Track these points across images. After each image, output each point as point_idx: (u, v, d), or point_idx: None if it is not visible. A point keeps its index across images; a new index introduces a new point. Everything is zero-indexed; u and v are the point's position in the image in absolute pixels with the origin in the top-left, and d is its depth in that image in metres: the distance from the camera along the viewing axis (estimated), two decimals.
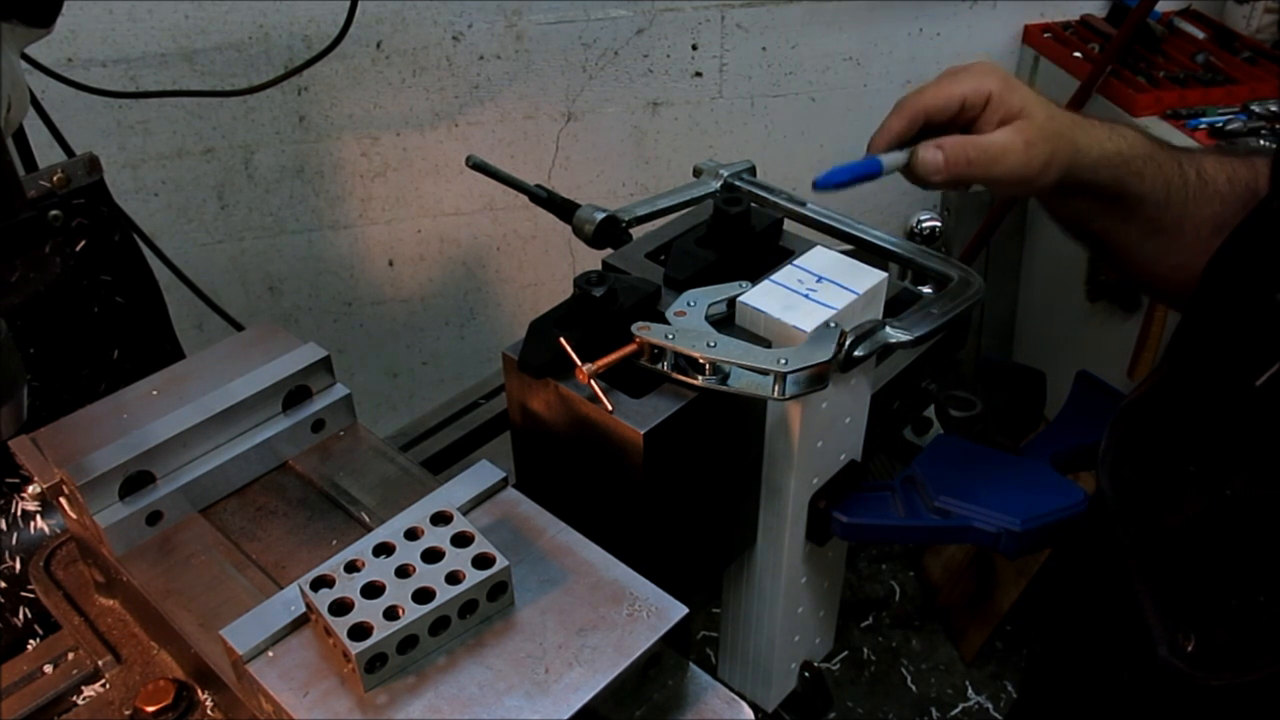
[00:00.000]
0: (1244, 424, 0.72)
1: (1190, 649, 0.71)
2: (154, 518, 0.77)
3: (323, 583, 0.63)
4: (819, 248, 0.86)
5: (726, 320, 0.81)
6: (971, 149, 0.87)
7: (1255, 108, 1.96)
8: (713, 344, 0.73)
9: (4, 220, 0.83)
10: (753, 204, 0.92)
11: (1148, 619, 0.74)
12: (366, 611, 0.61)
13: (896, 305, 0.95)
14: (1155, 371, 0.85)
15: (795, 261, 0.84)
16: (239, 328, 1.61)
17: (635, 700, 0.65)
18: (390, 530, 0.66)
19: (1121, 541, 0.78)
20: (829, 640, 1.04)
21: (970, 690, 2.51)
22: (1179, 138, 1.93)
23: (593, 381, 0.72)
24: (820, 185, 0.86)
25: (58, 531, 0.89)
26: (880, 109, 0.90)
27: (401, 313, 2.31)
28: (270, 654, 0.63)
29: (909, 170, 0.89)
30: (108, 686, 0.75)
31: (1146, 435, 0.81)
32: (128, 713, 0.72)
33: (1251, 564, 0.70)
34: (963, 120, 0.89)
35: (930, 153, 0.88)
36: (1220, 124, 1.93)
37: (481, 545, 0.64)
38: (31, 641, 0.84)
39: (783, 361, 0.71)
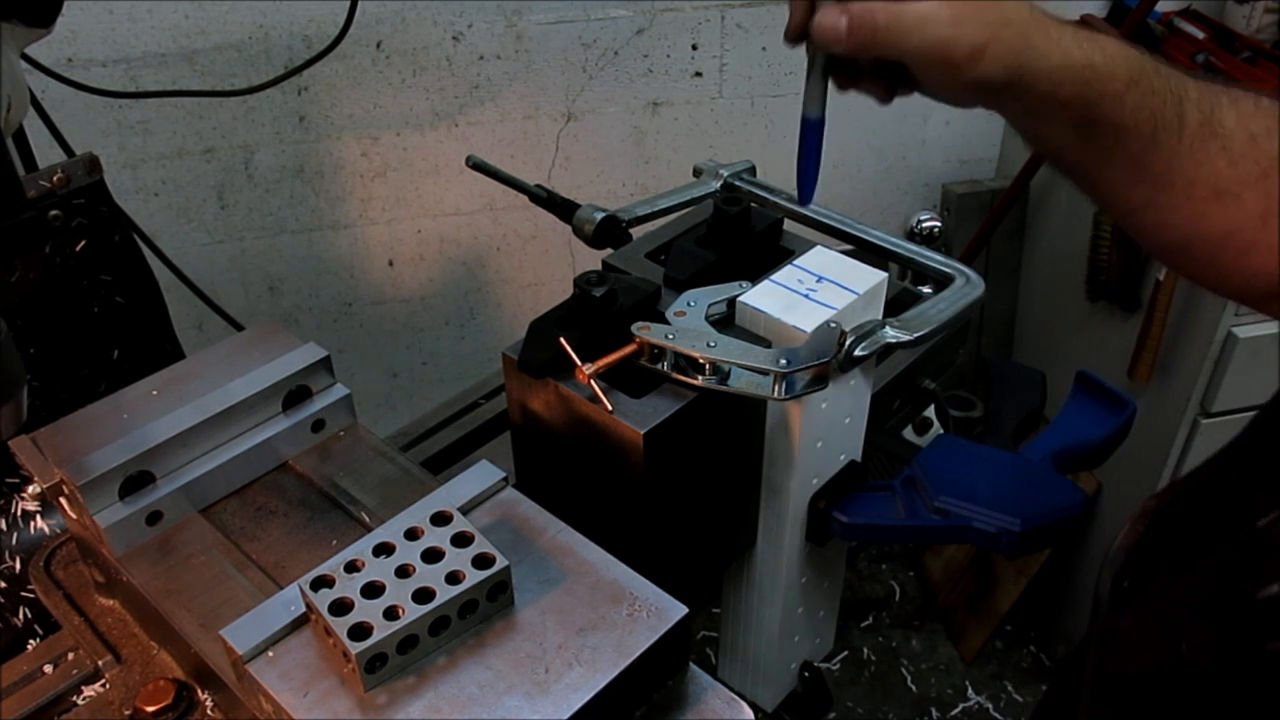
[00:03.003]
0: (1239, 577, 0.63)
1: None
2: (154, 518, 0.77)
3: (323, 583, 0.63)
4: (819, 248, 0.86)
5: (726, 320, 0.82)
6: (881, 12, 0.72)
7: None
8: (713, 344, 0.73)
9: (4, 220, 0.83)
10: (753, 204, 0.92)
11: None
12: (366, 611, 0.61)
13: (896, 305, 0.95)
14: (1193, 474, 0.75)
15: (795, 261, 0.84)
16: (239, 328, 1.61)
17: (635, 700, 0.65)
18: (390, 530, 0.66)
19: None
20: (829, 640, 1.04)
21: (970, 690, 2.51)
22: None
23: (593, 381, 0.72)
24: (809, 198, 0.82)
25: (58, 531, 0.89)
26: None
27: (401, 313, 2.31)
28: (270, 654, 0.63)
29: (811, 41, 0.76)
30: (108, 686, 0.75)
31: (1161, 544, 0.72)
32: (128, 713, 0.72)
33: None
34: None
35: (831, 16, 0.74)
36: None
37: (481, 545, 0.64)
38: (31, 641, 0.84)
39: (783, 361, 0.71)
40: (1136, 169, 0.77)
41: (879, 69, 0.79)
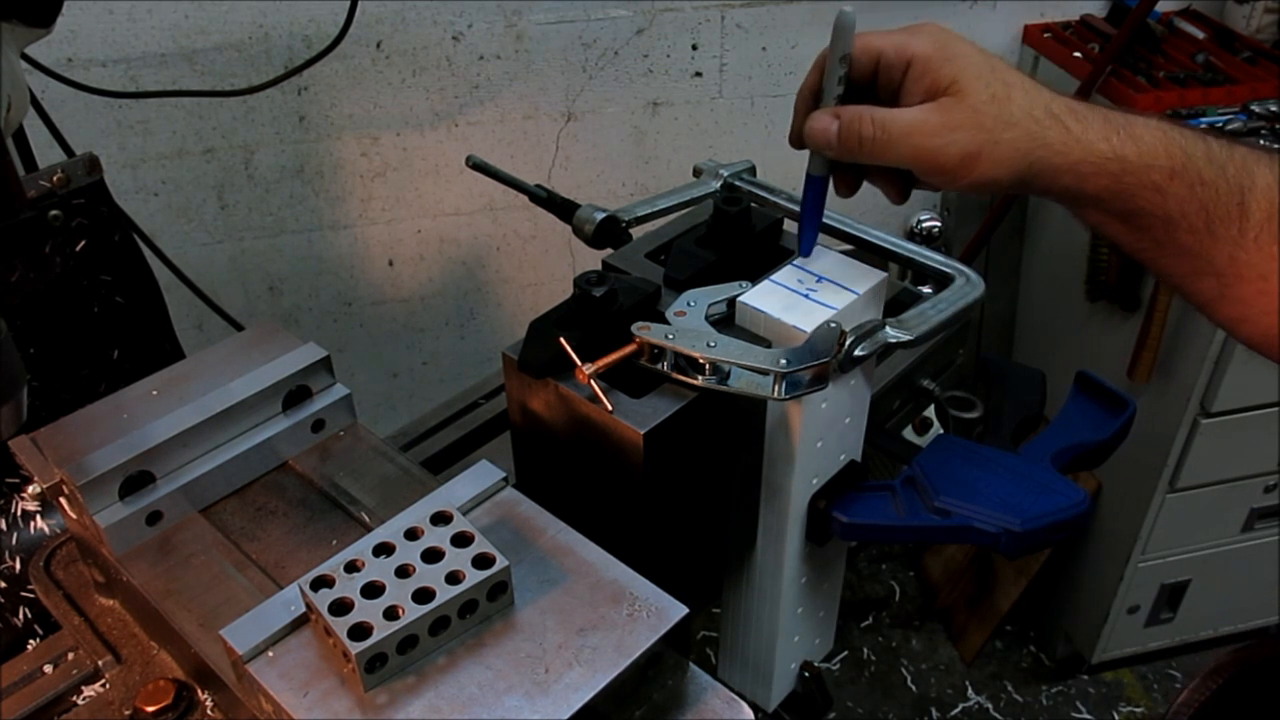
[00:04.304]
0: None
1: None
2: (154, 518, 0.77)
3: (323, 583, 0.63)
4: (819, 248, 0.86)
5: (726, 320, 0.81)
6: (869, 123, 0.71)
7: (1255, 108, 1.96)
8: (713, 344, 0.73)
9: (4, 220, 0.83)
10: (753, 204, 0.92)
11: None
12: (366, 611, 0.61)
13: (896, 305, 0.95)
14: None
15: (795, 261, 0.84)
16: (239, 328, 1.61)
17: (635, 700, 0.65)
18: (390, 530, 0.66)
19: None
20: (829, 640, 1.04)
21: (970, 690, 2.51)
22: None
23: (593, 381, 0.72)
24: (808, 251, 0.83)
25: (58, 531, 0.89)
26: None
27: (401, 313, 2.31)
28: (270, 654, 0.63)
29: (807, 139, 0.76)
30: (108, 686, 0.75)
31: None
32: (128, 713, 0.72)
33: None
34: (884, 85, 0.74)
35: (822, 121, 0.74)
36: (1220, 124, 1.93)
37: (481, 545, 0.64)
38: (31, 641, 0.84)
39: (783, 361, 0.71)
40: (1195, 261, 0.73)
41: (885, 169, 0.77)
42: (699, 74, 2.17)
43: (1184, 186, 0.70)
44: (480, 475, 0.74)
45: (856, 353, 0.75)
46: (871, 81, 0.74)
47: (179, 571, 0.75)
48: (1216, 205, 0.70)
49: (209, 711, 0.72)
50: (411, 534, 0.66)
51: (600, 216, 0.88)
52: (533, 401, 0.81)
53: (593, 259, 0.94)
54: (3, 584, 0.88)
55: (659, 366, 0.75)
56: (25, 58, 1.12)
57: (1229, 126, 1.92)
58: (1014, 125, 0.69)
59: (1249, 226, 0.70)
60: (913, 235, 2.47)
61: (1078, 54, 2.17)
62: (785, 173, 2.23)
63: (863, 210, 2.50)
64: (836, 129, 0.73)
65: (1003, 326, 2.63)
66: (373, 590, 0.62)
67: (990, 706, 2.48)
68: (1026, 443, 0.90)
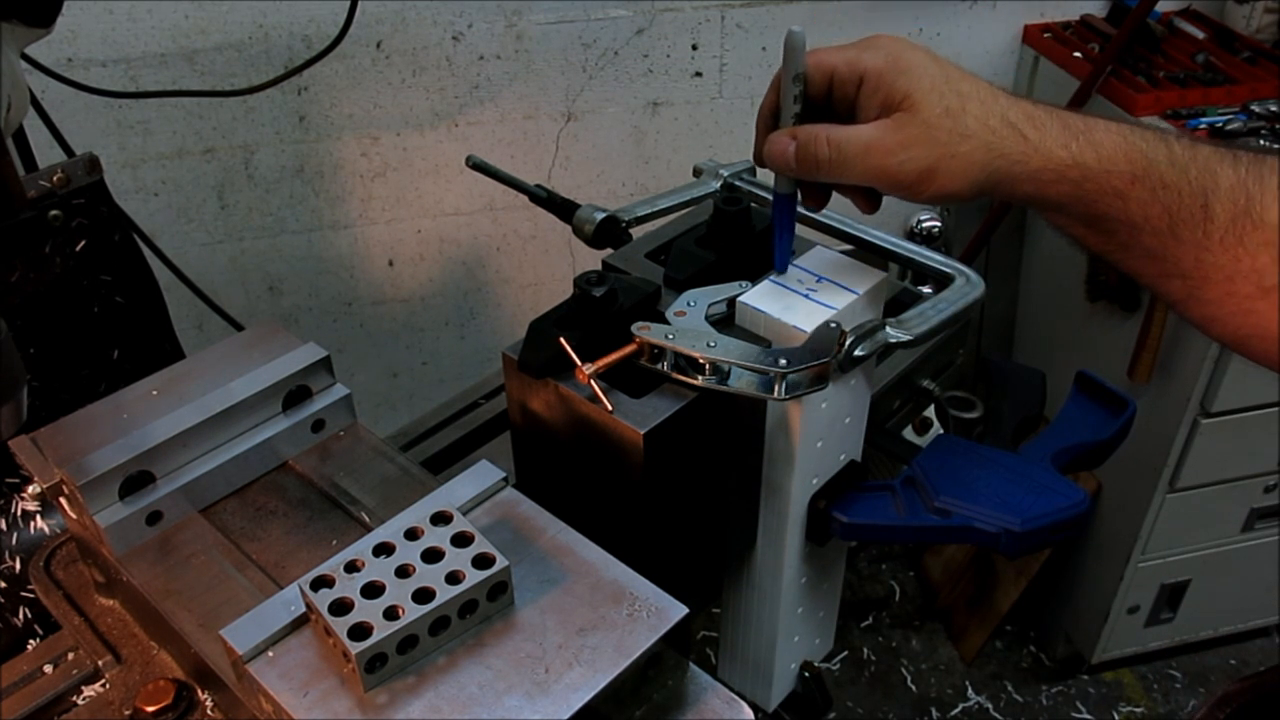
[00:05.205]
0: None
1: None
2: (154, 518, 0.77)
3: (323, 583, 0.63)
4: (819, 248, 0.86)
5: (726, 320, 0.82)
6: (825, 144, 0.71)
7: (1255, 108, 1.96)
8: (713, 344, 0.73)
9: (4, 220, 0.83)
10: (753, 204, 0.92)
11: None
12: (366, 611, 0.61)
13: (896, 305, 0.95)
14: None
15: (795, 261, 0.84)
16: (239, 328, 1.61)
17: (635, 700, 0.65)
18: (390, 530, 0.66)
19: None
20: (829, 640, 1.04)
21: (970, 690, 2.51)
22: None
23: (593, 381, 0.72)
24: (783, 268, 0.83)
25: (58, 531, 0.89)
26: None
27: (401, 313, 2.31)
28: (270, 654, 0.63)
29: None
30: (108, 686, 0.75)
31: None
32: (128, 713, 0.72)
33: None
34: (840, 101, 0.74)
35: (779, 143, 0.73)
36: (1220, 124, 1.93)
37: (481, 545, 0.64)
38: (31, 641, 0.84)
39: (783, 361, 0.71)
40: (1162, 263, 0.73)
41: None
42: (699, 74, 2.17)
43: (1145, 191, 0.70)
44: (480, 475, 0.74)
45: (856, 353, 0.75)
46: (827, 99, 0.74)
47: (179, 571, 0.75)
48: (1180, 208, 0.70)
49: (209, 711, 0.72)
50: (411, 534, 0.66)
51: (600, 216, 0.88)
52: (533, 401, 0.81)
53: (593, 259, 0.94)
54: (3, 584, 0.88)
55: (659, 366, 0.75)
56: (25, 58, 1.12)
57: (1229, 126, 1.92)
58: (969, 137, 0.69)
59: (1213, 229, 0.69)
60: (913, 235, 2.47)
61: (1078, 54, 2.17)
62: None
63: None
64: (794, 150, 0.73)
65: (1003, 326, 2.63)
66: (373, 590, 0.62)
67: (990, 706, 2.48)
68: (1026, 443, 0.90)
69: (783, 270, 0.83)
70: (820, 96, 0.74)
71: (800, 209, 0.94)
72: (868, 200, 0.80)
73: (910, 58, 0.71)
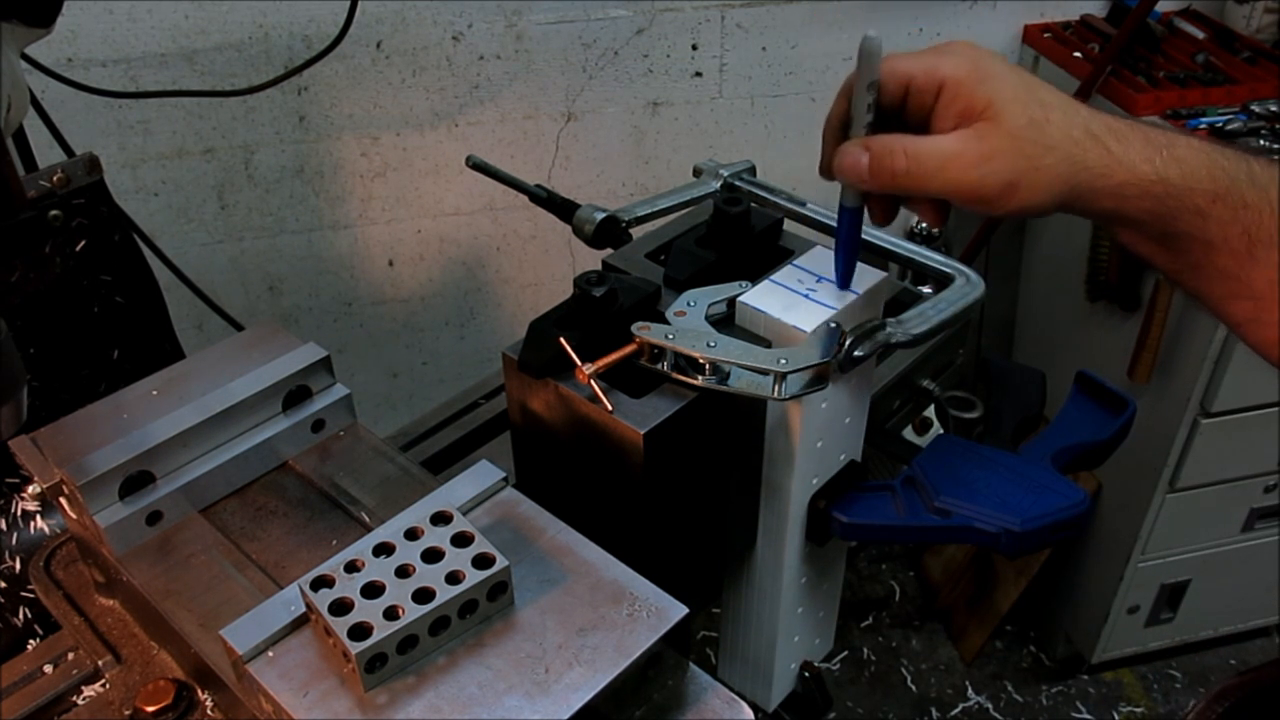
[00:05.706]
0: None
1: None
2: (154, 518, 0.78)
3: (323, 583, 0.63)
4: (819, 248, 0.86)
5: (726, 320, 0.81)
6: (902, 156, 0.67)
7: (1255, 108, 1.96)
8: (713, 344, 0.73)
9: (4, 220, 0.83)
10: (753, 204, 0.92)
11: None
12: (366, 611, 0.61)
13: (896, 305, 0.95)
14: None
15: (795, 261, 0.84)
16: (239, 328, 1.61)
17: (635, 700, 0.65)
18: (390, 530, 0.66)
19: None
20: (829, 640, 1.04)
21: (970, 690, 2.51)
22: None
23: (593, 381, 0.72)
24: (846, 284, 0.79)
25: (58, 531, 0.89)
26: None
27: (401, 313, 2.31)
28: (270, 654, 0.63)
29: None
30: (108, 686, 0.75)
31: None
32: (128, 713, 0.72)
33: None
34: (914, 111, 0.70)
35: (851, 154, 0.69)
36: (1220, 124, 1.93)
37: (481, 545, 0.64)
38: (31, 641, 0.84)
39: (783, 361, 0.71)
40: (1233, 284, 0.71)
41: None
42: (699, 74, 2.17)
43: (1226, 210, 0.68)
44: (480, 475, 0.74)
45: (856, 353, 0.75)
46: (901, 107, 0.71)
47: (179, 571, 0.75)
48: (1259, 229, 0.68)
49: (209, 711, 0.72)
50: (411, 534, 0.66)
51: (600, 216, 0.88)
52: (533, 401, 0.81)
53: (593, 259, 0.94)
54: (3, 584, 0.88)
55: (659, 366, 0.75)
56: (25, 58, 1.12)
57: (1229, 127, 1.92)
58: (1053, 149, 0.67)
59: None
60: (913, 235, 2.47)
61: (1078, 54, 2.17)
62: (785, 173, 2.24)
63: None
64: (867, 162, 0.69)
65: (1003, 326, 2.63)
66: (373, 590, 0.62)
67: (990, 706, 2.48)
68: (1026, 443, 0.90)
69: (845, 287, 0.80)
70: (894, 105, 0.71)
71: (803, 210, 0.94)
72: (937, 213, 0.76)
73: (991, 65, 0.68)
